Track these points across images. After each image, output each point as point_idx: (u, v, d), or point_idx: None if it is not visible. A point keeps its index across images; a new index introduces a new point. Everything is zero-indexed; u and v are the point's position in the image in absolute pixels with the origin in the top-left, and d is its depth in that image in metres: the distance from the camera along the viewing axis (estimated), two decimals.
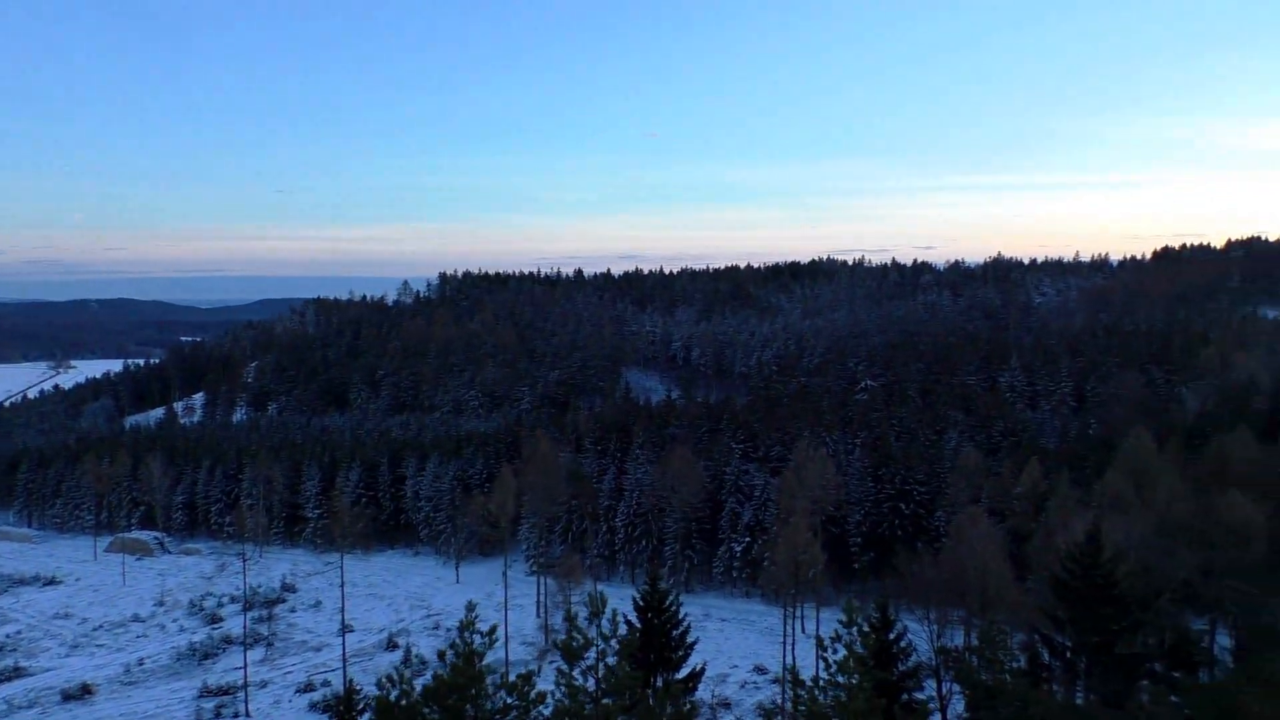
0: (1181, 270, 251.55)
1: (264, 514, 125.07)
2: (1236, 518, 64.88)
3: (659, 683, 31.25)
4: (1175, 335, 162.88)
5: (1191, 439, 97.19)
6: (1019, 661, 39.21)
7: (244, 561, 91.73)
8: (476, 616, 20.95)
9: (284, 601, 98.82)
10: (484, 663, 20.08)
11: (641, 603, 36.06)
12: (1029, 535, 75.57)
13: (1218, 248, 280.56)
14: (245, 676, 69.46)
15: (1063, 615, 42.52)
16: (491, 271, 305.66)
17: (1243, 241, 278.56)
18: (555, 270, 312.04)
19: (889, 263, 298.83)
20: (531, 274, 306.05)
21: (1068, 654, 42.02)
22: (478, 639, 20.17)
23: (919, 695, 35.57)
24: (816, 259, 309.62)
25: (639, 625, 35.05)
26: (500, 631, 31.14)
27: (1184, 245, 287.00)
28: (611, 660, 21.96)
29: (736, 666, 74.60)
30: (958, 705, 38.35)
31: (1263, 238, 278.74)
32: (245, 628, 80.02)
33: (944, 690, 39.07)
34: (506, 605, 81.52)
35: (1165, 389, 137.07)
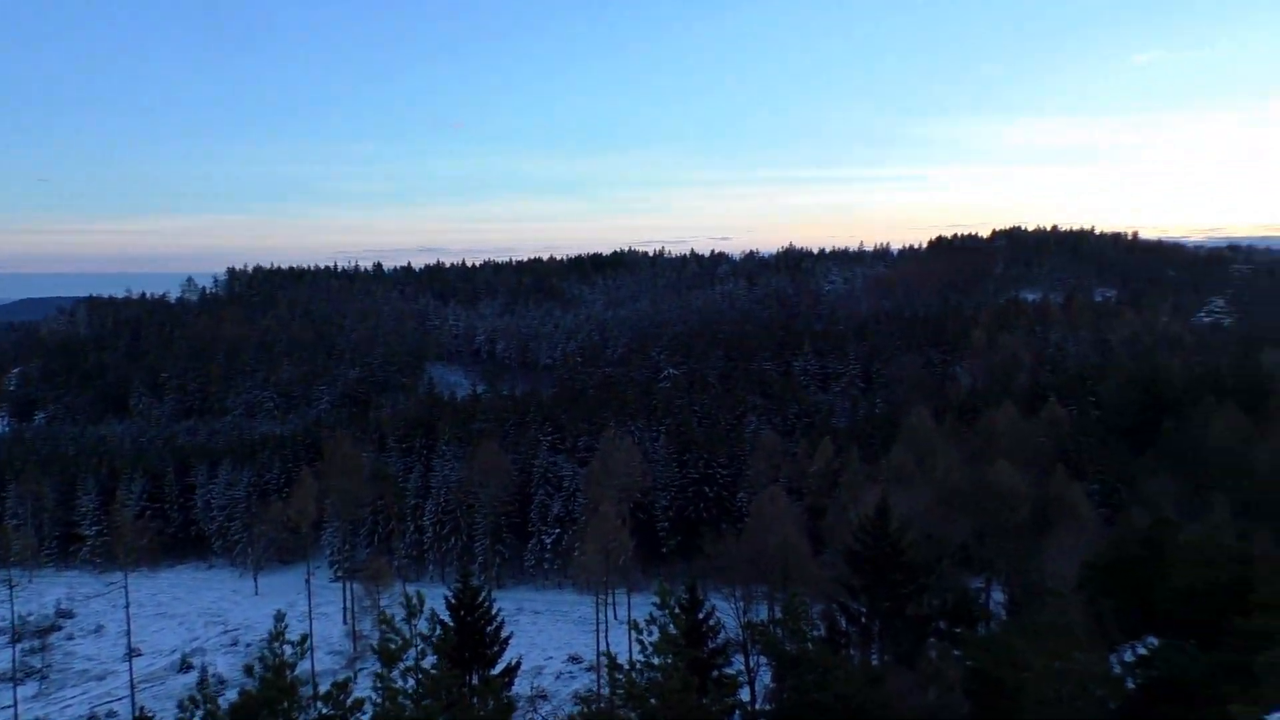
0: (954, 259, 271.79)
1: (33, 534, 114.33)
2: (1005, 484, 70.74)
3: (476, 680, 30.85)
4: (949, 319, 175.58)
5: (965, 414, 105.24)
6: (819, 630, 41.17)
7: (10, 588, 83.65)
8: (286, 626, 19.97)
9: (60, 629, 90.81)
10: (294, 674, 19.17)
11: (454, 601, 35.46)
12: (825, 510, 79.56)
13: (984, 237, 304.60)
14: (16, 715, 63.43)
15: (857, 584, 45.06)
16: (284, 266, 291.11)
17: (1005, 231, 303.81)
18: (353, 264, 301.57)
19: (688, 253, 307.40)
20: (328, 268, 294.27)
21: (863, 619, 44.59)
22: (288, 650, 19.21)
23: (729, 670, 36.75)
24: (619, 250, 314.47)
25: (453, 624, 34.49)
26: (309, 643, 29.83)
27: (955, 235, 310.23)
28: (429, 660, 21.49)
29: (552, 658, 74.82)
30: (765, 676, 39.87)
31: (1022, 227, 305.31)
32: (14, 661, 73.05)
33: (751, 663, 40.54)
34: (311, 614, 78.31)
35: (942, 369, 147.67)
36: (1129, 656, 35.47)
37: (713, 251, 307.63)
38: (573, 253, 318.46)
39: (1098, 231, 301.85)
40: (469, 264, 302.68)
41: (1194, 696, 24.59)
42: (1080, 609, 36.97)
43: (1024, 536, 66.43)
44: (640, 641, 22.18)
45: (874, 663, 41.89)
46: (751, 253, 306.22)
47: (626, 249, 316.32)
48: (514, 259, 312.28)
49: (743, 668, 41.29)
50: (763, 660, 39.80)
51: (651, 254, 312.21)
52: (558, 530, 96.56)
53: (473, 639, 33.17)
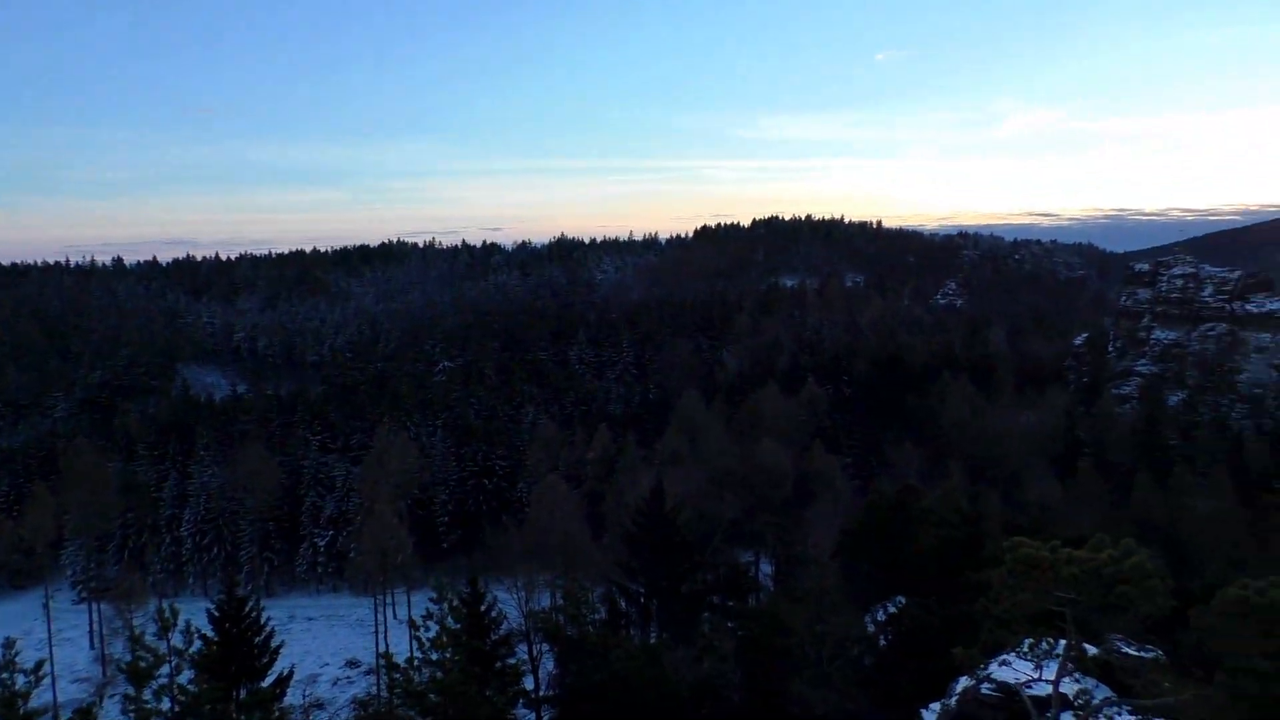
0: (718, 247, 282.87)
1: None
2: (770, 462, 74.62)
3: (245, 693, 29.30)
4: (715, 305, 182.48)
5: (732, 396, 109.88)
6: (600, 613, 41.96)
7: None
8: (18, 653, 18.13)
9: None
10: (29, 705, 17.47)
11: (218, 613, 33.54)
12: (603, 496, 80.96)
13: (745, 226, 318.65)
14: None
15: (635, 565, 46.27)
16: (5, 262, 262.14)
17: (765, 220, 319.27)
18: (89, 259, 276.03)
19: (459, 244, 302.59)
20: (59, 264, 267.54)
21: (642, 599, 45.82)
22: (20, 679, 17.48)
23: (512, 660, 36.81)
24: (387, 242, 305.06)
25: (217, 637, 32.60)
26: (45, 670, 27.22)
27: (719, 224, 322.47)
28: (186, 676, 20.19)
29: (328, 664, 72.08)
30: (549, 663, 40.19)
31: (780, 217, 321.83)
32: None
33: (535, 651, 40.74)
34: (51, 640, 71.40)
35: (710, 353, 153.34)
36: (881, 615, 38.43)
37: (485, 242, 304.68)
38: (338, 245, 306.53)
39: (847, 220, 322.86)
40: (225, 257, 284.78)
41: (933, 648, 26.91)
42: (838, 574, 39.56)
43: (788, 510, 70.39)
44: (418, 639, 21.83)
45: (652, 640, 43.13)
46: (524, 243, 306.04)
47: (396, 240, 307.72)
48: (274, 251, 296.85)
49: (526, 657, 41.43)
50: (546, 647, 40.12)
51: (422, 245, 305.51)
52: (331, 532, 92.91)
53: (239, 651, 31.49)
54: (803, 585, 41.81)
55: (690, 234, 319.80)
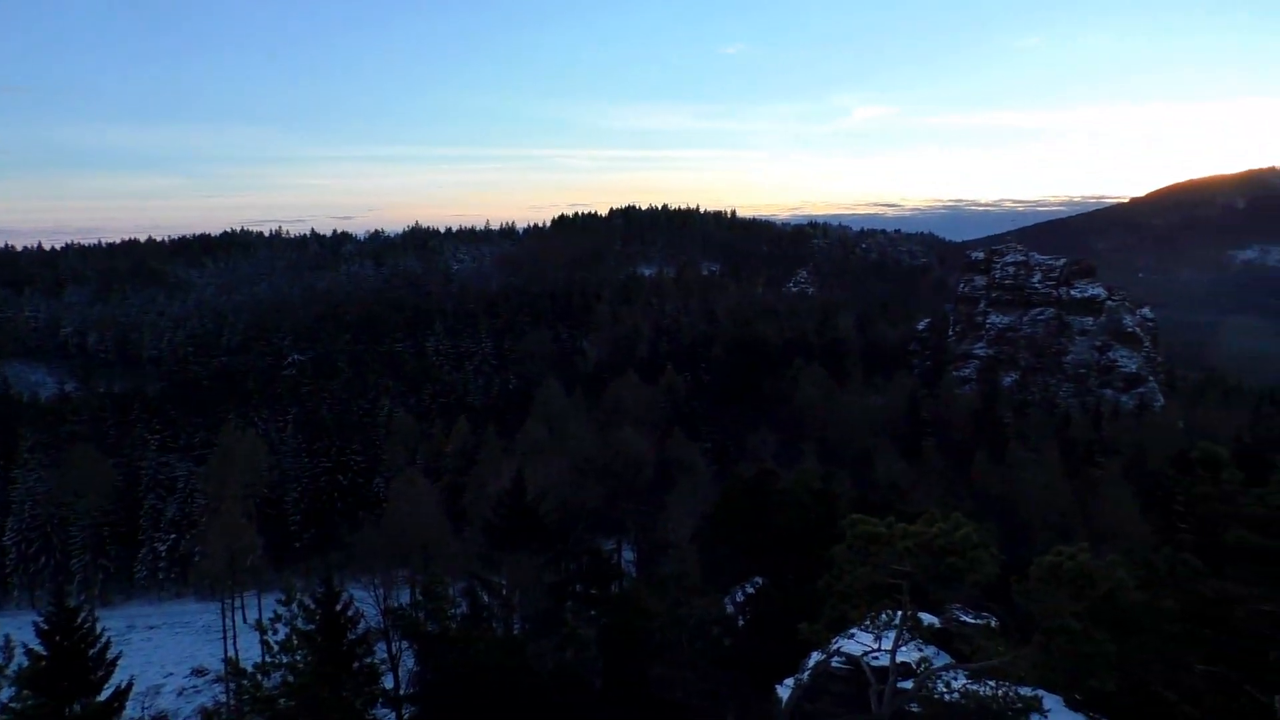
0: (576, 236, 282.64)
1: None
2: (631, 449, 75.20)
3: (79, 709, 27.56)
4: (574, 295, 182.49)
5: (593, 385, 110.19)
6: (461, 607, 41.38)
7: None
8: None
9: None
10: None
11: (46, 626, 31.40)
12: (464, 489, 79.88)
13: (603, 216, 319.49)
14: None
15: (497, 557, 45.79)
16: None
17: (623, 210, 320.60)
18: None
19: (308, 233, 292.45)
20: None
21: (504, 591, 45.40)
22: None
23: (370, 659, 35.91)
24: (230, 230, 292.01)
25: (46, 652, 30.52)
26: None
27: (577, 214, 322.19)
28: (7, 693, 18.82)
29: (172, 674, 68.60)
30: (410, 661, 39.41)
31: (637, 206, 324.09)
32: None
33: (394, 649, 39.85)
34: None
35: (570, 343, 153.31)
36: (740, 597, 39.32)
37: (335, 231, 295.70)
38: (175, 234, 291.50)
39: (702, 210, 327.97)
40: (48, 247, 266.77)
41: (788, 626, 27.73)
42: (697, 558, 40.20)
43: (650, 496, 71.12)
44: (266, 643, 20.99)
45: (515, 632, 42.86)
46: (377, 232, 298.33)
47: (239, 229, 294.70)
48: (104, 241, 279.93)
49: (386, 655, 40.50)
50: (406, 645, 39.30)
51: (268, 234, 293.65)
52: (174, 536, 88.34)
53: (71, 666, 29.55)
54: (663, 570, 42.33)
55: (548, 223, 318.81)
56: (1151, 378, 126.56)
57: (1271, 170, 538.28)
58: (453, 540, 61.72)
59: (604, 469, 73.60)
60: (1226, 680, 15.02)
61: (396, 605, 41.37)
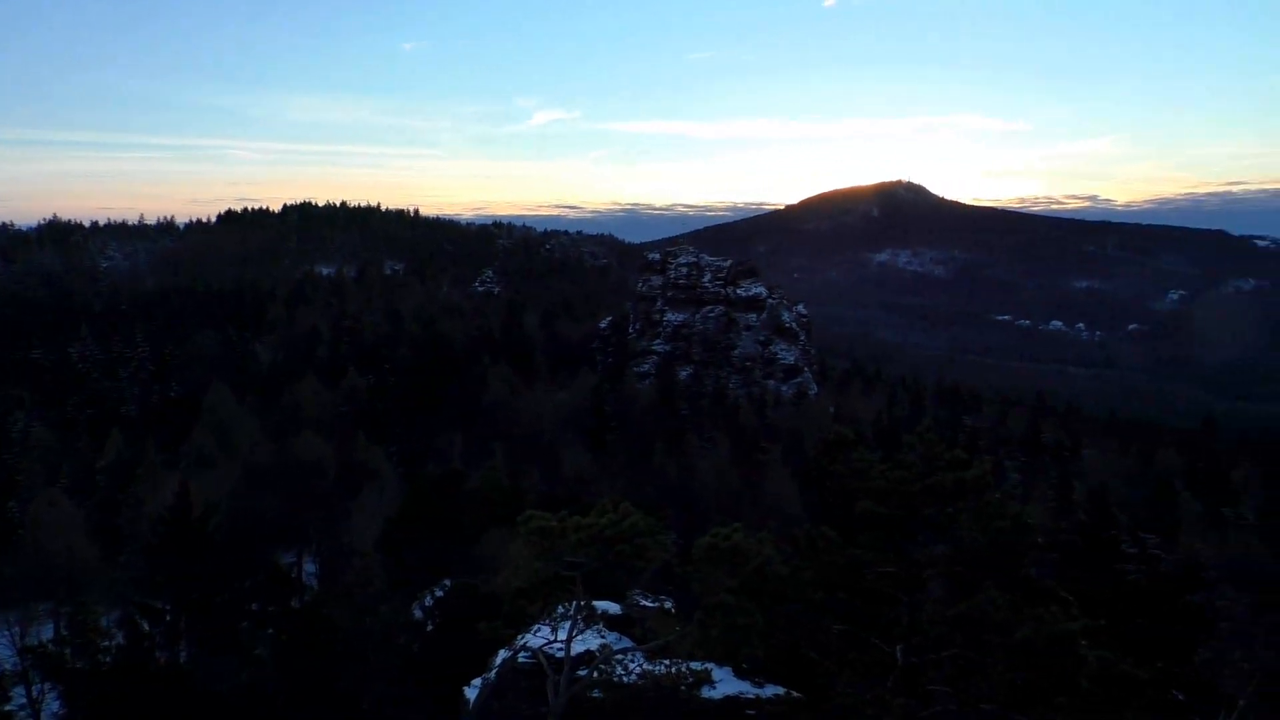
0: (247, 233, 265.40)
1: None
2: (310, 455, 72.04)
3: None
4: (246, 294, 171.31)
5: (267, 390, 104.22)
6: (117, 639, 37.77)
7: None
8: None
9: None
10: None
11: None
12: (119, 508, 72.65)
13: (276, 212, 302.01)
14: None
15: (159, 580, 42.18)
16: None
17: (298, 206, 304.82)
18: None
19: None
20: None
21: (168, 617, 41.91)
22: None
23: (7, 708, 31.91)
24: None
25: None
26: None
27: (246, 209, 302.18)
28: None
29: None
30: (56, 705, 35.44)
31: (313, 203, 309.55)
32: None
33: (36, 692, 35.62)
34: None
35: (241, 345, 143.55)
36: (429, 601, 38.92)
37: None
38: None
39: (383, 208, 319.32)
40: None
41: (475, 627, 27.93)
42: (382, 565, 39.38)
43: (332, 504, 68.42)
44: None
45: (183, 659, 39.77)
46: (6, 225, 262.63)
47: None
48: None
49: (26, 700, 36.11)
50: (50, 686, 35.30)
51: None
52: None
53: None
54: (348, 580, 41.03)
55: (213, 219, 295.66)
56: (807, 368, 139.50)
57: (899, 183, 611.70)
58: (106, 566, 55.97)
59: (281, 477, 69.92)
60: (857, 636, 17.10)
61: (37, 643, 37.02)
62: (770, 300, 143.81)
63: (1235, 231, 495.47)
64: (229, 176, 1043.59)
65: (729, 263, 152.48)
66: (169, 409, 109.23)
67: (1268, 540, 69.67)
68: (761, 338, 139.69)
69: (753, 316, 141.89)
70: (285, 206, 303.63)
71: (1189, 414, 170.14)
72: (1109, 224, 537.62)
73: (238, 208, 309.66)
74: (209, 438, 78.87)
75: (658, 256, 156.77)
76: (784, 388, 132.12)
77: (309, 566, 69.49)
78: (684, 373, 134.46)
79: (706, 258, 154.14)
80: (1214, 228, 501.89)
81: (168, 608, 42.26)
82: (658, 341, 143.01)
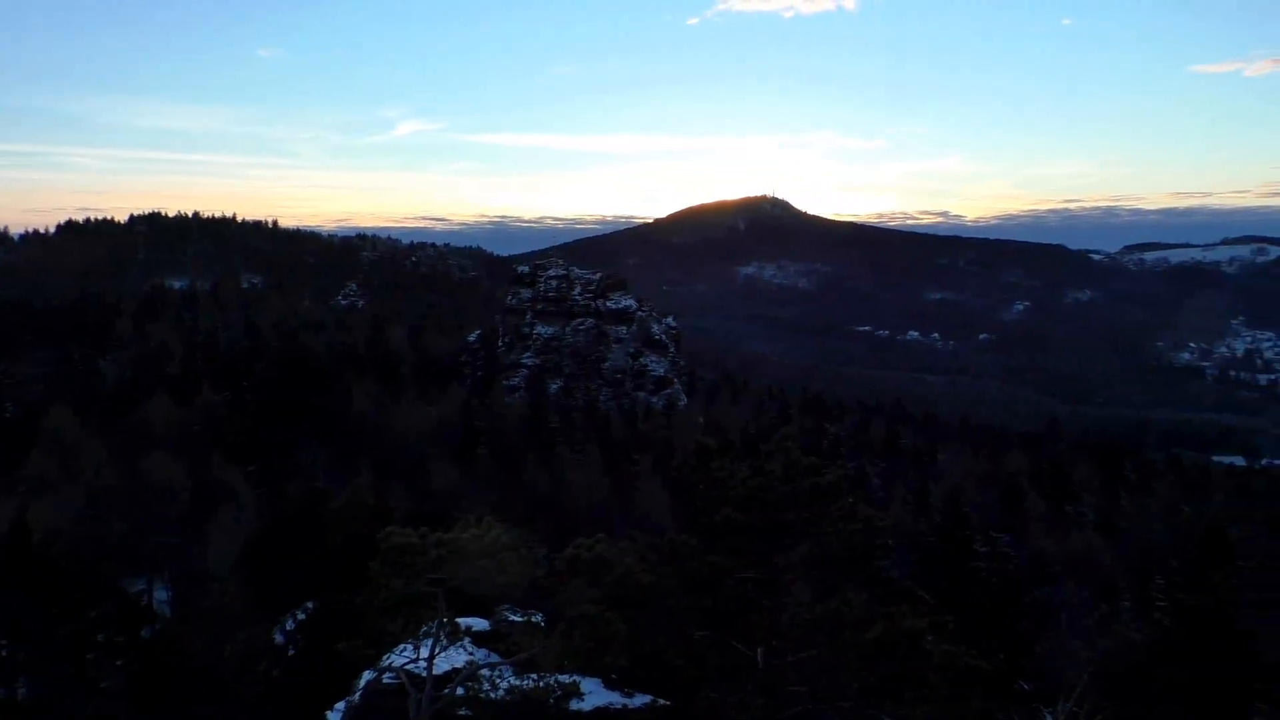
0: (90, 244, 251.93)
1: None
2: (162, 476, 68.85)
3: None
4: (89, 309, 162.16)
5: (113, 409, 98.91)
6: None
7: None
8: None
9: None
10: None
11: None
12: None
13: (122, 222, 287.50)
14: None
15: None
16: None
17: (146, 217, 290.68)
18: None
19: None
20: None
21: (3, 652, 39.41)
22: None
23: None
24: None
25: None
26: None
27: (89, 220, 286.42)
28: None
29: None
30: None
31: (164, 213, 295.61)
32: None
33: None
34: None
35: (84, 363, 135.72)
36: (291, 624, 37.76)
37: None
38: None
39: (240, 219, 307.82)
40: None
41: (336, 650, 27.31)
42: (241, 588, 38.06)
43: (186, 527, 65.48)
44: None
45: (20, 697, 37.42)
46: None
47: None
48: None
49: None
50: None
51: None
52: None
53: None
54: (204, 605, 39.46)
55: (53, 229, 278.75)
56: (676, 380, 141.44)
57: (764, 198, 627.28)
58: None
59: (128, 501, 66.51)
60: (719, 641, 17.55)
61: None
62: (640, 313, 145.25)
63: (1073, 246, 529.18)
64: (70, 185, 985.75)
65: (599, 276, 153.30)
66: (4, 431, 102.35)
67: (1105, 535, 74.61)
68: (631, 350, 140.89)
69: (623, 329, 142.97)
70: (132, 216, 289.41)
71: (1034, 418, 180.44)
72: (959, 238, 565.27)
73: (79, 218, 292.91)
74: (49, 461, 74.35)
75: (527, 269, 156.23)
76: (654, 399, 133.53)
77: (160, 594, 66.26)
78: (554, 386, 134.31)
79: (576, 271, 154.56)
80: (1054, 242, 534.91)
81: (4, 642, 39.72)
82: (527, 355, 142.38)
